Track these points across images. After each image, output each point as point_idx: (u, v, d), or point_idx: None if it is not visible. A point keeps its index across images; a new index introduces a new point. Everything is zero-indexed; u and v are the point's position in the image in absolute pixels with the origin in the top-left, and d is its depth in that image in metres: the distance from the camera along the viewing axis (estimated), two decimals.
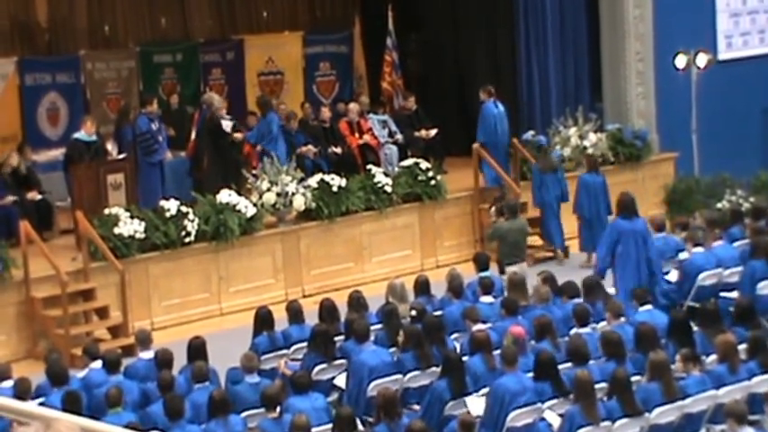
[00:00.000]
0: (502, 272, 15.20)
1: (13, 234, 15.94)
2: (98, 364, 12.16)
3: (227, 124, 18.01)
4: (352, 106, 20.45)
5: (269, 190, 17.30)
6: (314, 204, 17.52)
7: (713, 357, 11.59)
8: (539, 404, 10.94)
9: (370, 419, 11.27)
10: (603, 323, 12.59)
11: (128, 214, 16.15)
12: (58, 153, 18.57)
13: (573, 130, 20.08)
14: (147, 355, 12.36)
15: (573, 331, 12.36)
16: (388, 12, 21.50)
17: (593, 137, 20.12)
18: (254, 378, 11.65)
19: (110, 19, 20.45)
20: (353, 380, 11.90)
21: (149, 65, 20.52)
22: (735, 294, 13.75)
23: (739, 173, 19.76)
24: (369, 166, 18.73)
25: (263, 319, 12.99)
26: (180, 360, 12.11)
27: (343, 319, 13.07)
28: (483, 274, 14.11)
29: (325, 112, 20.14)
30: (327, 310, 13.09)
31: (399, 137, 20.25)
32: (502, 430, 10.80)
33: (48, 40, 19.81)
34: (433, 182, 18.61)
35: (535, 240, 18.74)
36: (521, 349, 11.49)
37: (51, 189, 17.68)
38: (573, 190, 18.47)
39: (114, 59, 20.22)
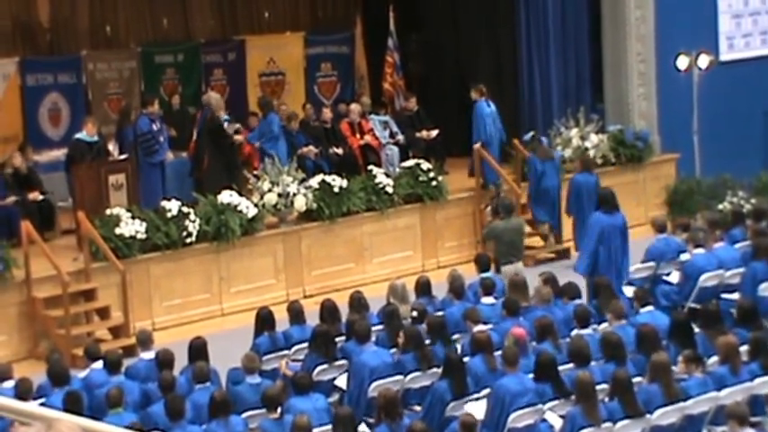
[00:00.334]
0: (498, 270, 15.19)
1: (15, 234, 15.93)
2: (99, 364, 12.18)
3: (228, 127, 17.99)
4: (354, 107, 20.44)
5: (270, 190, 17.29)
6: (315, 205, 17.51)
7: (714, 359, 11.58)
8: (540, 405, 10.94)
9: (371, 420, 11.27)
10: (605, 324, 12.59)
11: (129, 214, 16.15)
12: (59, 153, 18.57)
13: (574, 132, 20.07)
14: (148, 355, 12.36)
15: (574, 332, 12.36)
16: (389, 12, 21.48)
17: (594, 138, 20.11)
18: (255, 378, 11.66)
19: (111, 19, 20.43)
20: (354, 381, 11.90)
21: (151, 65, 20.50)
22: (736, 296, 13.72)
23: (741, 174, 19.76)
24: (370, 167, 18.71)
25: (264, 320, 12.99)
26: (181, 360, 12.11)
27: (344, 319, 13.07)
28: (484, 274, 14.10)
29: (327, 113, 20.14)
30: (328, 310, 13.08)
31: (400, 137, 20.22)
32: (503, 431, 10.80)
33: (49, 40, 19.79)
34: (434, 183, 18.59)
35: (536, 241, 18.74)
36: (522, 350, 11.49)
37: (53, 189, 17.67)
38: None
39: (116, 60, 20.20)
